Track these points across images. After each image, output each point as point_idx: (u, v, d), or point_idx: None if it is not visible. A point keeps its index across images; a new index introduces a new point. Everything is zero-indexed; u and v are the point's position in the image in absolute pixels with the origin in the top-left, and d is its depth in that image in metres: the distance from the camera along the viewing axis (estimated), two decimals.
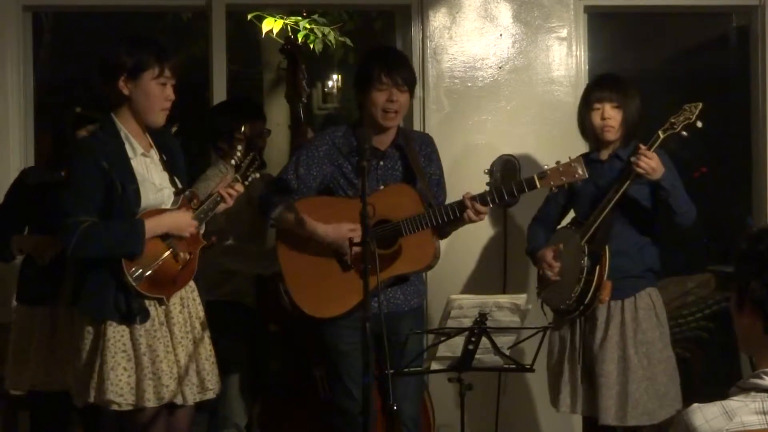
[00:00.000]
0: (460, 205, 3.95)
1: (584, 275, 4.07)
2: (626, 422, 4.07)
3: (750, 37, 5.50)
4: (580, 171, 3.93)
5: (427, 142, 4.21)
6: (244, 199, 4.53)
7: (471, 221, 3.96)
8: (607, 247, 4.10)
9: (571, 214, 4.45)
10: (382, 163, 4.08)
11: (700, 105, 4.05)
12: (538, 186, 3.96)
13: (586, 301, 4.10)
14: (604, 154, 4.25)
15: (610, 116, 4.15)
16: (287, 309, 4.15)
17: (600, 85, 4.24)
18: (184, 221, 3.64)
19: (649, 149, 4.01)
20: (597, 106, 4.17)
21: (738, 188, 5.97)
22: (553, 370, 4.27)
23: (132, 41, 3.68)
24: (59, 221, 3.55)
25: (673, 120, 4.06)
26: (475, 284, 5.07)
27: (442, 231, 4.10)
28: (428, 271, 4.18)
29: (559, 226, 4.40)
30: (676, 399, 4.15)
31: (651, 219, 4.23)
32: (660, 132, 4.05)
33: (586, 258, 4.08)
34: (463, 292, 5.01)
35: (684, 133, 4.04)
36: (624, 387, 4.06)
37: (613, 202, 4.07)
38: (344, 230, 3.93)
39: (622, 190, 4.06)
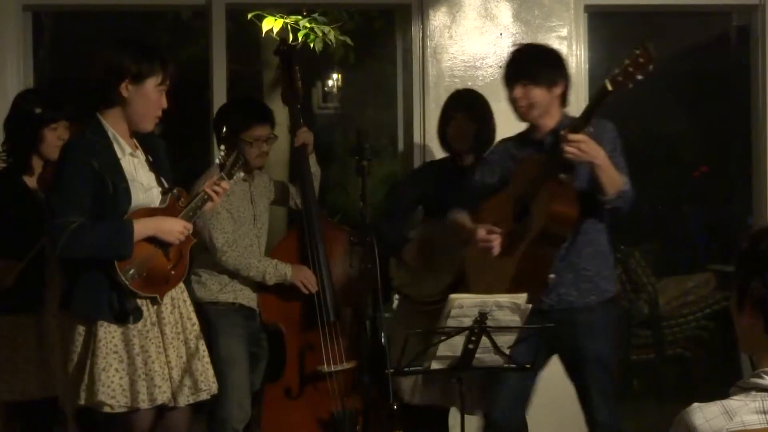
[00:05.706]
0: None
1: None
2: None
3: (750, 37, 5.50)
4: (651, 51, 3.57)
5: (602, 129, 3.88)
6: (245, 198, 4.54)
7: (570, 154, 3.66)
8: None
9: None
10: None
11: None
12: (609, 88, 3.61)
13: None
14: (468, 160, 4.50)
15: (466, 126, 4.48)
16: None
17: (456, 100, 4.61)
18: (173, 227, 3.62)
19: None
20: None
21: (738, 188, 5.97)
22: None
23: (138, 46, 3.67)
24: (47, 222, 3.55)
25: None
26: None
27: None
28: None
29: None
30: None
31: None
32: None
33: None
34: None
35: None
36: None
37: None
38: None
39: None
